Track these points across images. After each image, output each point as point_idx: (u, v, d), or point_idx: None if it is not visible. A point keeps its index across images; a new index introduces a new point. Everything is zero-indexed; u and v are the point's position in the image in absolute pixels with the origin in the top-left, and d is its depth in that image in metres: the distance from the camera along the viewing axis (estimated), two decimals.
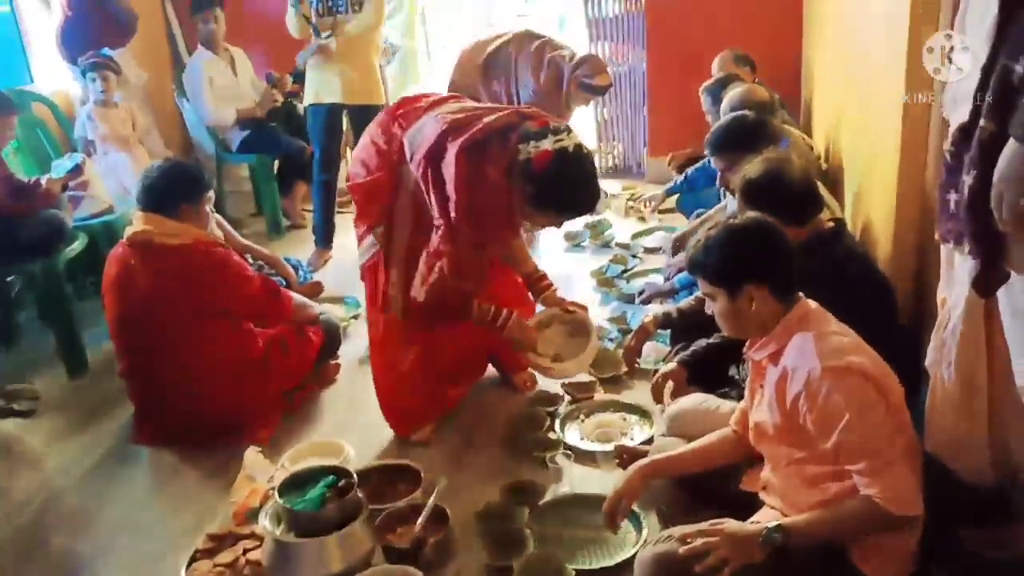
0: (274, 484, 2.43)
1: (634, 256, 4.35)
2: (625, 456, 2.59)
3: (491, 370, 3.23)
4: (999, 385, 1.68)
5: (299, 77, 5.16)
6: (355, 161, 2.85)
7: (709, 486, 2.08)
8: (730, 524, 1.74)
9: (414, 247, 2.68)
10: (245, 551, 2.32)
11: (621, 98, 5.75)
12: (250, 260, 3.52)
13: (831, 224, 2.44)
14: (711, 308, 1.88)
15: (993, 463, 1.73)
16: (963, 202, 1.62)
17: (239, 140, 5.14)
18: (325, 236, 4.64)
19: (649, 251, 4.41)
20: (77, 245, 3.75)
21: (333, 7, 4.06)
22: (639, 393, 3.07)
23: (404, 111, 2.77)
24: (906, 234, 2.46)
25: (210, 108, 4.99)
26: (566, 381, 3.06)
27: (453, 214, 2.50)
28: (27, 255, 3.54)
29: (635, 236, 4.62)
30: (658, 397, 2.63)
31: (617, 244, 4.55)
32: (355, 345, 3.53)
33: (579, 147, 2.51)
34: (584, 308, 2.96)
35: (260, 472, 2.65)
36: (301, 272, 4.11)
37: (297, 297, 3.28)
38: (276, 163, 5.22)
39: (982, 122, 1.56)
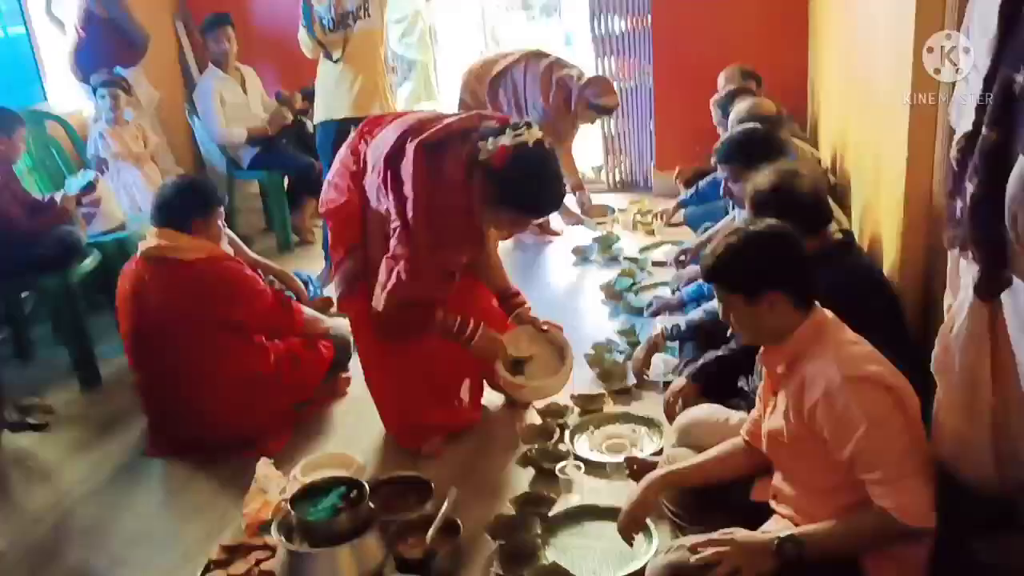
0: (286, 496, 2.45)
1: (642, 270, 4.36)
2: (635, 467, 2.59)
3: None
4: (1004, 390, 1.68)
5: (308, 95, 5.23)
6: (328, 186, 2.85)
7: (720, 495, 2.08)
8: (741, 533, 1.74)
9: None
10: (258, 562, 2.34)
11: (628, 113, 5.79)
12: (261, 275, 3.55)
13: (839, 236, 2.45)
14: (727, 315, 1.86)
15: (999, 469, 1.73)
16: (966, 209, 1.64)
17: (249, 157, 5.19)
18: None
19: (657, 264, 4.42)
20: (90, 261, 3.80)
21: (343, 21, 4.10)
22: (648, 405, 3.08)
23: (370, 128, 2.79)
24: (913, 243, 2.47)
25: (220, 126, 5.05)
26: (541, 402, 3.00)
27: (410, 214, 2.47)
28: (41, 271, 3.59)
29: (643, 250, 4.64)
30: (671, 416, 2.64)
31: (625, 258, 4.57)
32: None
33: (539, 143, 2.45)
34: (559, 328, 2.90)
35: (272, 484, 2.66)
36: (311, 287, 4.14)
37: (308, 311, 3.31)
38: (286, 180, 5.27)
39: (984, 131, 1.57)
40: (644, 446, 2.82)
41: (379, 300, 2.60)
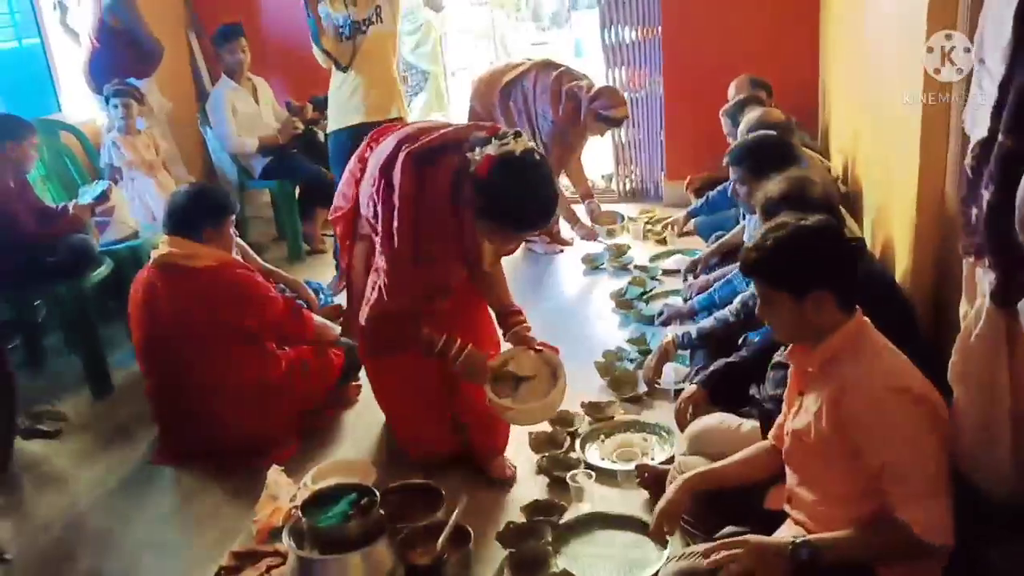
0: (297, 503, 2.45)
1: (653, 278, 4.36)
2: (646, 475, 2.60)
3: None
4: (1022, 397, 1.67)
5: (319, 105, 5.26)
6: (337, 194, 2.86)
7: (732, 503, 2.07)
8: (755, 537, 1.73)
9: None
10: (268, 568, 2.34)
11: (638, 123, 5.79)
12: (272, 283, 3.56)
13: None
14: (765, 312, 1.81)
15: (1018, 477, 1.71)
16: (982, 216, 1.63)
17: (261, 167, 5.21)
18: None
19: (668, 273, 4.42)
20: (103, 269, 3.82)
21: (359, 27, 4.12)
22: (659, 413, 3.07)
23: (378, 137, 2.77)
24: (925, 249, 2.46)
25: (232, 136, 5.07)
26: (531, 428, 2.84)
27: (396, 223, 2.42)
28: (54, 279, 3.61)
29: (654, 259, 4.63)
30: (682, 423, 2.63)
31: (636, 267, 4.57)
32: None
33: (528, 151, 2.33)
34: (555, 349, 2.77)
35: (283, 491, 2.67)
36: (322, 296, 4.15)
37: (318, 319, 3.31)
38: (297, 189, 5.29)
39: (1000, 137, 1.57)
40: (655, 454, 2.81)
41: (363, 313, 2.57)
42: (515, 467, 2.81)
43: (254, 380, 2.98)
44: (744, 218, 3.83)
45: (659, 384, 3.17)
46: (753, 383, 2.59)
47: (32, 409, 3.44)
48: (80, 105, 4.96)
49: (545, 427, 3.00)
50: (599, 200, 5.34)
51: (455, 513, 2.37)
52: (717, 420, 2.43)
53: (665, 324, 3.62)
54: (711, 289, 3.44)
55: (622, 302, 4.10)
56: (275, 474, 2.72)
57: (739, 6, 5.14)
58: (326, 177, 4.99)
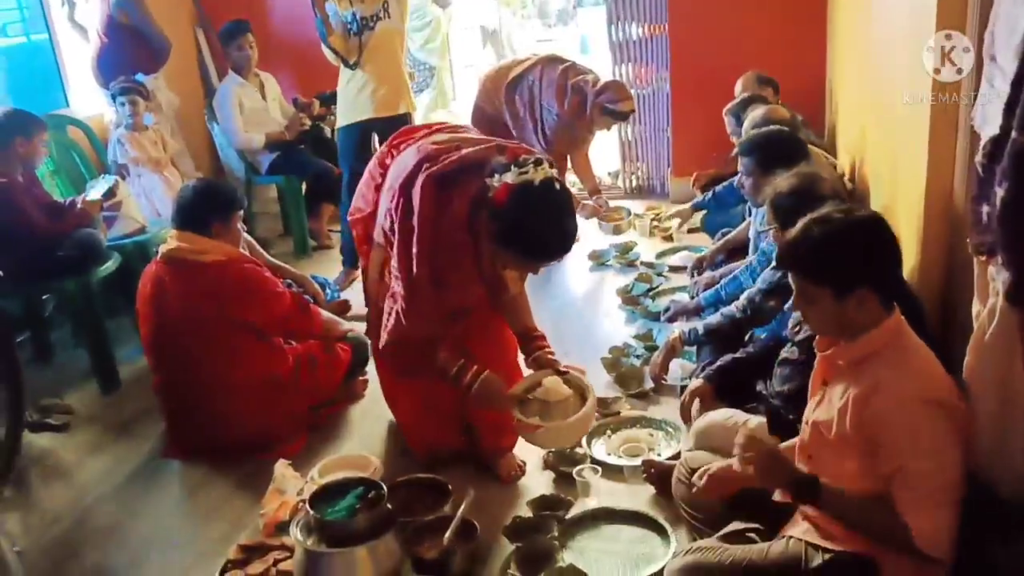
0: (303, 497, 2.46)
1: (659, 275, 4.36)
2: (653, 471, 2.60)
3: None
4: None
5: (326, 100, 5.26)
6: (357, 195, 2.83)
7: (740, 496, 2.07)
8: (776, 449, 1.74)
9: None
10: (275, 562, 2.35)
11: (645, 119, 5.78)
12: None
13: None
14: (800, 306, 1.76)
15: None
16: (995, 214, 1.62)
17: (268, 162, 5.22)
18: (352, 256, 4.67)
19: (674, 270, 4.42)
20: (111, 264, 3.82)
21: (367, 24, 4.13)
22: (666, 409, 3.07)
23: (399, 142, 2.72)
24: (933, 247, 2.45)
25: (239, 132, 5.08)
26: (551, 451, 2.76)
27: (415, 248, 2.36)
28: (62, 273, 3.62)
29: (660, 255, 4.63)
30: (687, 417, 2.63)
31: (642, 263, 4.56)
32: None
33: (547, 181, 2.25)
34: (581, 371, 2.73)
35: (290, 485, 2.68)
36: (328, 291, 4.15)
37: (326, 314, 3.33)
38: (304, 185, 5.30)
39: (1014, 134, 1.56)
40: (661, 450, 2.81)
41: (382, 339, 2.53)
42: (524, 462, 2.80)
43: (261, 375, 2.99)
44: (750, 214, 3.82)
45: (666, 380, 3.17)
46: (759, 379, 2.60)
47: (40, 403, 3.45)
48: (88, 100, 4.98)
49: None
50: (606, 197, 5.33)
51: (462, 507, 2.37)
52: (723, 416, 2.44)
53: (671, 320, 3.62)
54: (717, 285, 3.44)
55: (628, 298, 4.09)
56: (282, 468, 2.73)
57: (746, 3, 5.13)
58: (333, 173, 5.01)
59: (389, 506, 2.28)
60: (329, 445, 3.07)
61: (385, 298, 2.56)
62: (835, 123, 4.77)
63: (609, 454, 2.81)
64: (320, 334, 3.20)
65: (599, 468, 2.69)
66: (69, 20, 4.89)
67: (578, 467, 2.67)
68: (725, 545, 1.85)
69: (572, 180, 5.37)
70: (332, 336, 3.25)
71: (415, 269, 2.37)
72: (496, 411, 2.54)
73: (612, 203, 5.23)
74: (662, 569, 1.98)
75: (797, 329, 2.39)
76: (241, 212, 3.15)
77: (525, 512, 2.54)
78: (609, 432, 2.94)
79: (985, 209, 1.67)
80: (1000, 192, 1.57)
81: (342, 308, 4.09)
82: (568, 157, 5.04)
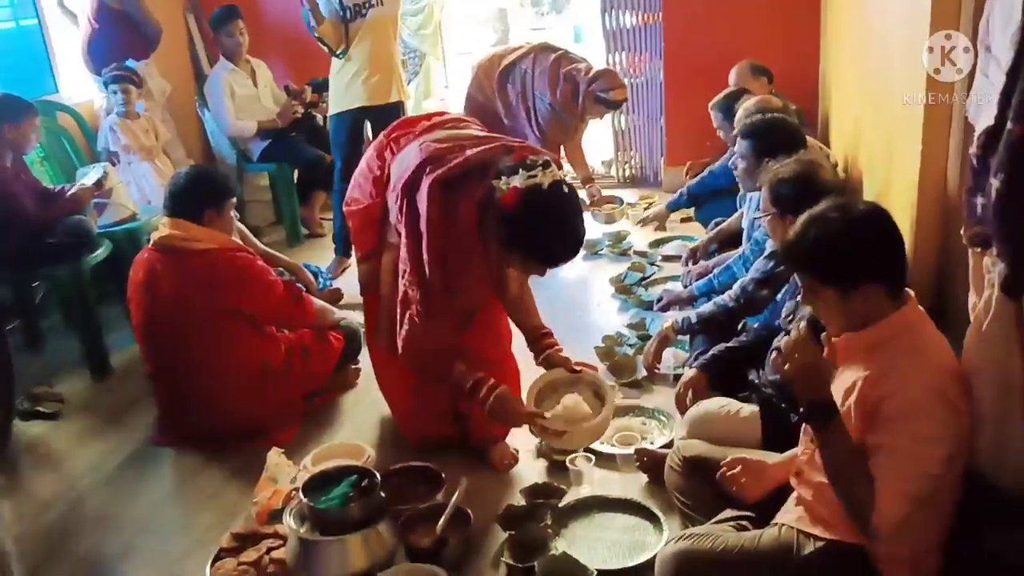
0: (297, 485, 2.46)
1: (652, 264, 4.36)
2: (646, 459, 2.61)
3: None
4: None
5: (318, 88, 5.23)
6: (353, 184, 2.81)
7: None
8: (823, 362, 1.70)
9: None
10: (269, 550, 2.34)
11: (639, 108, 5.77)
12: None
13: None
14: (809, 301, 1.76)
15: None
16: (990, 205, 1.62)
17: (259, 150, 5.19)
18: (345, 244, 4.66)
19: (667, 259, 4.42)
20: (102, 251, 3.80)
21: (359, 10, 4.10)
22: (659, 398, 3.08)
23: (398, 135, 2.68)
24: (927, 238, 2.46)
25: (231, 119, 5.05)
26: (575, 451, 2.70)
27: (425, 254, 2.36)
28: (53, 260, 3.60)
29: (653, 244, 4.63)
30: (682, 407, 2.64)
31: (635, 252, 4.57)
32: None
33: (555, 184, 2.24)
34: (593, 368, 2.74)
35: (282, 473, 2.67)
36: (321, 279, 4.15)
37: (318, 302, 3.31)
38: (296, 172, 5.27)
39: (1010, 124, 1.56)
40: (654, 439, 2.82)
41: (398, 348, 2.51)
42: (517, 451, 2.81)
43: (254, 363, 2.98)
44: (741, 204, 3.83)
45: (659, 369, 3.17)
46: (752, 368, 2.61)
47: (31, 391, 3.44)
48: (78, 86, 4.94)
49: None
50: (599, 185, 5.33)
51: (455, 496, 2.37)
52: (717, 405, 2.45)
53: (664, 310, 3.63)
54: (710, 275, 3.45)
55: (621, 287, 4.10)
56: (275, 456, 2.73)
57: None
58: (325, 161, 4.99)
59: (382, 494, 2.28)
60: (322, 433, 3.06)
61: (393, 296, 2.55)
62: (828, 113, 4.77)
63: (602, 443, 2.81)
64: (313, 323, 3.19)
65: (592, 457, 2.69)
66: (59, 5, 4.85)
67: (571, 455, 2.68)
68: (717, 532, 1.86)
69: (565, 169, 5.35)
70: (325, 325, 3.25)
71: (428, 277, 2.36)
72: (511, 426, 2.53)
73: (605, 192, 5.23)
74: (655, 556, 1.98)
75: (790, 318, 2.39)
76: (234, 200, 3.14)
77: (518, 500, 2.54)
78: None
79: (980, 200, 1.67)
80: (995, 183, 1.57)
81: (335, 296, 4.08)
82: (561, 146, 5.03)
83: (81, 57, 4.80)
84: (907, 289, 1.76)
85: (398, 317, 2.48)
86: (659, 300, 3.70)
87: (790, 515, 1.84)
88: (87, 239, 3.70)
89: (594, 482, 2.63)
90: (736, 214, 3.89)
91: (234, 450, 2.95)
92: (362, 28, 4.12)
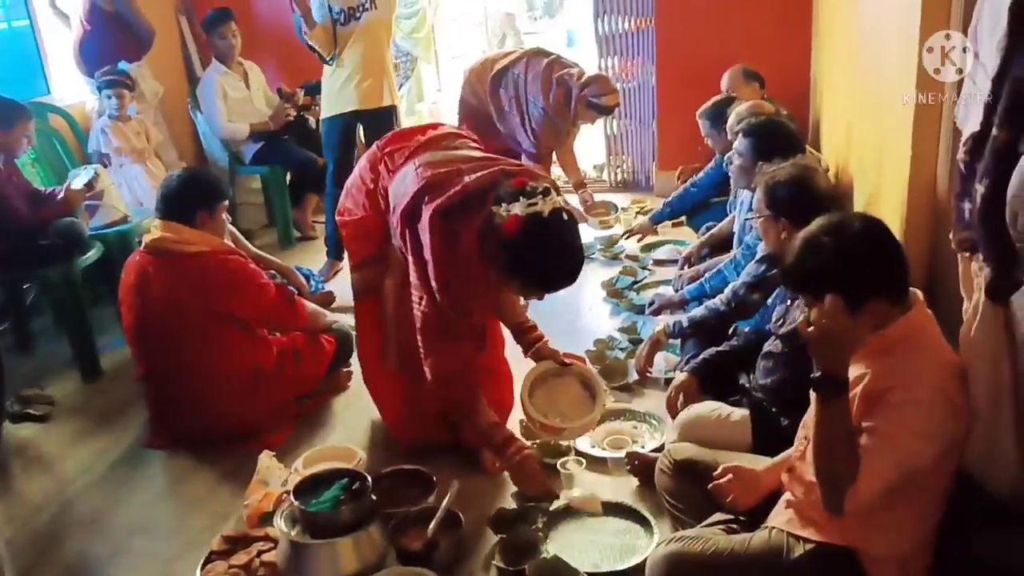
0: (288, 488, 2.46)
1: (644, 268, 4.37)
2: (636, 463, 2.62)
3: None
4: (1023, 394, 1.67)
5: (311, 90, 5.23)
6: (346, 193, 2.81)
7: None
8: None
9: (405, 299, 2.57)
10: (259, 553, 2.35)
11: (631, 113, 5.79)
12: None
13: None
14: (811, 318, 1.70)
15: (1021, 474, 1.71)
16: (976, 210, 1.64)
17: (252, 152, 5.19)
18: (337, 247, 4.66)
19: (659, 263, 4.44)
20: (93, 253, 3.80)
21: (350, 15, 4.11)
22: (650, 401, 3.09)
23: (391, 150, 2.66)
24: (916, 242, 2.48)
25: (223, 121, 5.05)
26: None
27: (433, 283, 2.38)
28: (44, 263, 3.59)
29: (645, 248, 4.64)
30: (673, 411, 2.65)
31: (627, 256, 4.58)
32: None
33: (556, 212, 2.23)
34: (581, 359, 2.79)
35: (273, 476, 2.67)
36: (313, 282, 4.14)
37: (310, 305, 3.32)
38: (288, 175, 5.27)
39: (995, 131, 1.58)
40: (645, 442, 2.83)
41: (427, 373, 2.51)
42: None
43: (245, 365, 2.98)
44: (732, 208, 3.84)
45: (650, 373, 3.18)
46: (743, 372, 2.62)
47: (21, 393, 3.42)
48: (70, 88, 4.92)
49: None
50: (591, 190, 5.34)
51: (446, 499, 2.38)
52: (708, 409, 2.46)
53: (656, 314, 3.63)
54: (702, 279, 3.46)
55: (613, 291, 4.11)
56: (266, 459, 2.73)
57: None
58: (317, 163, 4.99)
59: (373, 497, 2.28)
60: (313, 436, 3.06)
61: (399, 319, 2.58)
62: (819, 118, 4.80)
63: (593, 446, 2.82)
64: (305, 326, 3.19)
65: (583, 460, 2.70)
66: (51, 7, 4.84)
67: (562, 459, 2.68)
68: (708, 535, 1.87)
69: (557, 173, 5.37)
70: (317, 328, 3.25)
71: (439, 299, 2.39)
72: (527, 489, 2.54)
73: (598, 197, 5.24)
74: (645, 560, 1.99)
75: (780, 323, 2.41)
76: (226, 203, 3.14)
77: (510, 503, 2.55)
78: None
79: (967, 206, 1.69)
80: (980, 189, 1.59)
81: (327, 299, 4.08)
82: (553, 151, 5.04)
83: (73, 59, 4.78)
84: (915, 291, 1.75)
85: (421, 345, 2.49)
86: (650, 304, 3.70)
87: (780, 518, 1.85)
88: (78, 241, 3.69)
89: (585, 485, 2.63)
90: (727, 218, 3.90)
91: (225, 453, 2.94)
92: (356, 32, 4.13)
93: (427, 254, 2.37)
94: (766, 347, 2.46)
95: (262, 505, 2.56)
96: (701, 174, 4.35)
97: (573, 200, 5.03)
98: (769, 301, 2.69)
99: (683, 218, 4.62)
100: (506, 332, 2.91)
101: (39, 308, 4.14)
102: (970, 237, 1.70)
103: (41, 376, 3.66)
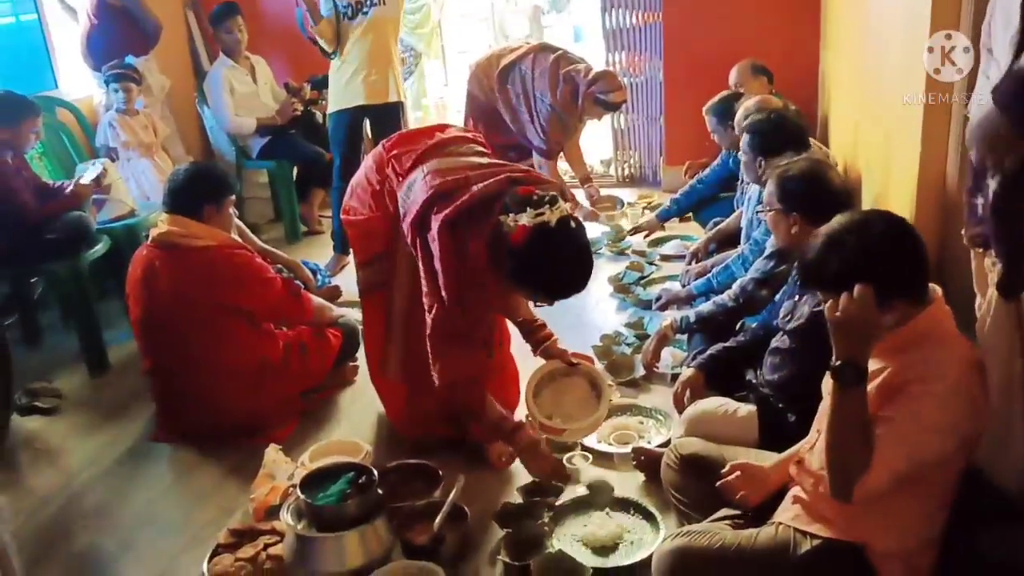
0: (294, 481, 2.46)
1: (651, 263, 4.36)
2: (643, 458, 2.61)
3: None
4: None
5: (317, 85, 5.23)
6: (351, 192, 2.81)
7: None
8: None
9: (414, 299, 2.57)
10: (266, 546, 2.34)
11: (638, 108, 5.77)
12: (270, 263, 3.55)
13: None
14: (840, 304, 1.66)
15: None
16: (988, 205, 1.63)
17: (259, 147, 5.19)
18: (343, 242, 4.66)
19: (666, 258, 4.43)
20: (100, 247, 3.81)
21: (358, 9, 4.11)
22: (656, 397, 3.09)
23: (398, 152, 2.66)
24: (926, 237, 2.44)
25: (230, 115, 5.05)
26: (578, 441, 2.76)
27: (444, 293, 2.39)
28: (52, 256, 3.60)
29: (652, 244, 4.63)
30: (679, 406, 2.64)
31: (634, 251, 4.56)
32: None
33: (563, 222, 2.24)
34: (589, 359, 2.79)
35: (280, 470, 2.68)
36: (319, 276, 4.15)
37: (317, 299, 3.31)
38: (295, 170, 5.27)
39: None
40: (651, 437, 2.82)
41: (434, 376, 2.52)
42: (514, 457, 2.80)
43: (252, 359, 2.98)
44: (740, 204, 3.83)
45: (657, 368, 3.18)
46: (750, 368, 2.61)
47: (29, 386, 3.43)
48: (77, 82, 4.93)
49: None
50: (597, 185, 5.33)
51: (452, 493, 2.38)
52: (714, 404, 2.45)
53: (662, 309, 3.63)
54: (709, 274, 3.45)
55: (620, 286, 4.10)
56: (273, 453, 2.73)
57: None
58: (324, 158, 4.99)
59: (379, 491, 2.28)
60: (319, 430, 3.07)
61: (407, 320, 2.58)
62: (827, 113, 4.78)
63: (599, 441, 2.82)
64: (311, 320, 3.19)
65: (589, 455, 2.70)
66: (59, 1, 4.86)
67: (568, 454, 2.68)
68: (715, 530, 1.86)
69: (563, 168, 5.36)
70: (323, 322, 3.25)
71: (451, 311, 2.40)
72: (536, 472, 2.57)
73: (604, 191, 5.23)
74: (651, 555, 1.99)
75: (788, 318, 2.40)
76: (233, 197, 3.14)
77: (515, 498, 2.55)
78: None
79: (979, 201, 1.68)
80: (992, 184, 1.58)
81: (333, 294, 4.08)
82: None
83: (80, 53, 4.79)
84: (934, 287, 1.73)
85: (431, 350, 2.49)
86: (657, 299, 3.70)
87: (787, 514, 1.84)
88: (86, 235, 3.70)
89: (591, 481, 2.63)
90: (734, 214, 3.89)
91: (232, 446, 2.95)
92: (362, 26, 4.13)
93: (437, 265, 2.37)
94: (773, 343, 2.45)
95: (268, 499, 2.56)
96: (707, 171, 4.34)
97: (579, 195, 5.04)
98: (777, 297, 2.68)
99: (690, 213, 4.62)
100: (513, 330, 2.91)
101: (47, 302, 4.15)
102: (982, 232, 1.69)
103: (49, 369, 3.67)
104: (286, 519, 2.24)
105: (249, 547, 2.36)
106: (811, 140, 3.69)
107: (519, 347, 2.90)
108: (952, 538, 1.75)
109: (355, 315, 3.73)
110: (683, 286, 3.74)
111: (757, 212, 3.08)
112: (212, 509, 2.66)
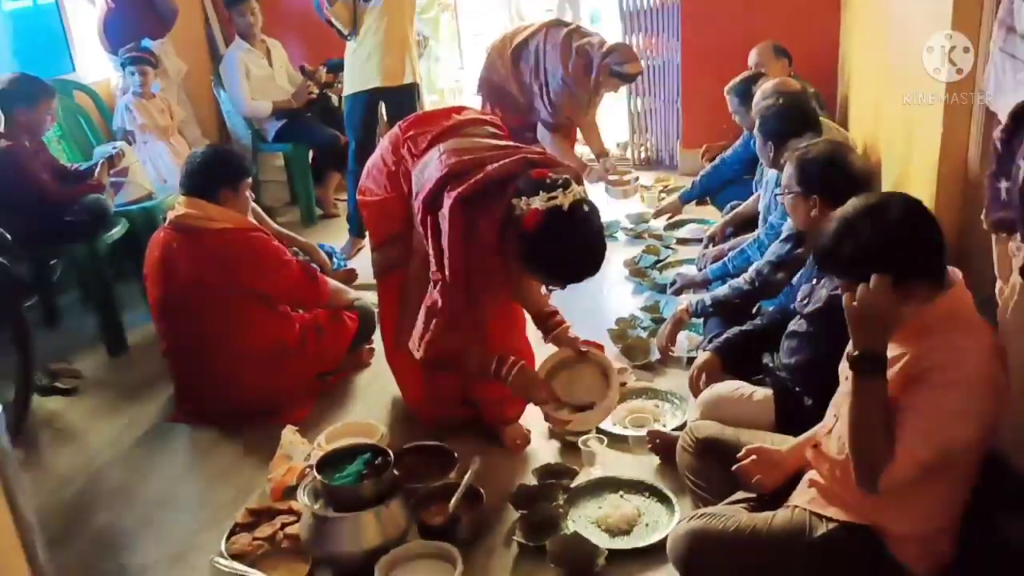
0: (311, 463, 2.48)
1: (667, 247, 4.35)
2: (658, 441, 2.61)
3: None
4: None
5: (333, 68, 5.22)
6: (367, 173, 2.81)
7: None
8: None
9: (429, 279, 2.54)
10: (283, 525, 2.37)
11: (655, 90, 5.73)
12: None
13: None
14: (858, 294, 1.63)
15: None
16: (1015, 189, 1.60)
17: (274, 130, 5.19)
18: (359, 225, 4.66)
19: (682, 242, 4.41)
20: (119, 230, 3.83)
21: None
22: (672, 380, 3.09)
23: (414, 133, 2.66)
24: (946, 223, 2.41)
25: (246, 99, 5.05)
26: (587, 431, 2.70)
27: (447, 270, 2.39)
28: (71, 238, 3.62)
29: (668, 227, 4.61)
30: (695, 390, 2.64)
31: (650, 235, 4.55)
32: None
33: (577, 204, 2.24)
34: (600, 347, 2.77)
35: (297, 451, 2.70)
36: (335, 259, 4.15)
37: (333, 282, 3.32)
38: (311, 153, 5.28)
39: None
40: (667, 421, 2.83)
41: (416, 347, 2.52)
42: (530, 431, 2.81)
43: (269, 342, 3.00)
44: (757, 187, 3.80)
45: (672, 352, 3.17)
46: (766, 352, 2.60)
47: (49, 366, 3.47)
48: (94, 65, 4.94)
49: None
50: (613, 161, 5.28)
51: (468, 475, 2.39)
52: (730, 388, 2.44)
53: (678, 293, 3.61)
54: (725, 258, 3.43)
55: (636, 270, 4.09)
56: (289, 434, 2.75)
57: None
58: (340, 141, 4.98)
59: (395, 472, 2.30)
60: (335, 412, 3.09)
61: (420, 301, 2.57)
62: (847, 95, 4.72)
63: (615, 424, 2.82)
64: (327, 302, 3.20)
65: (604, 438, 2.70)
66: None
67: (584, 437, 2.68)
68: (730, 512, 1.86)
69: (579, 150, 5.33)
70: (339, 304, 3.26)
71: (453, 290, 2.40)
72: (531, 399, 2.58)
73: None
74: (666, 537, 1.99)
75: (806, 302, 2.38)
76: (250, 180, 3.15)
77: (531, 480, 2.56)
78: None
79: (1004, 185, 1.65)
80: (1022, 165, 1.55)
81: (349, 277, 4.08)
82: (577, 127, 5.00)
83: (97, 36, 4.80)
84: (955, 270, 1.70)
85: (422, 320, 2.50)
86: (673, 283, 3.68)
87: (803, 497, 1.84)
88: (104, 217, 3.72)
89: (606, 463, 2.64)
90: (752, 198, 3.86)
91: (249, 427, 2.97)
92: (379, 8, 4.11)
93: (445, 243, 2.37)
94: (790, 326, 2.44)
95: (286, 479, 2.59)
96: (729, 151, 4.29)
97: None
98: (794, 280, 2.66)
99: (707, 197, 4.58)
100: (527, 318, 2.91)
101: (66, 284, 4.18)
102: (1006, 217, 1.67)
103: (68, 350, 3.70)
104: (303, 499, 2.26)
105: (266, 526, 2.39)
106: (830, 123, 3.67)
107: (533, 331, 2.89)
108: (971, 523, 1.74)
109: (371, 298, 3.73)
110: (699, 270, 3.72)
111: (776, 194, 3.06)
112: (230, 489, 2.69)
